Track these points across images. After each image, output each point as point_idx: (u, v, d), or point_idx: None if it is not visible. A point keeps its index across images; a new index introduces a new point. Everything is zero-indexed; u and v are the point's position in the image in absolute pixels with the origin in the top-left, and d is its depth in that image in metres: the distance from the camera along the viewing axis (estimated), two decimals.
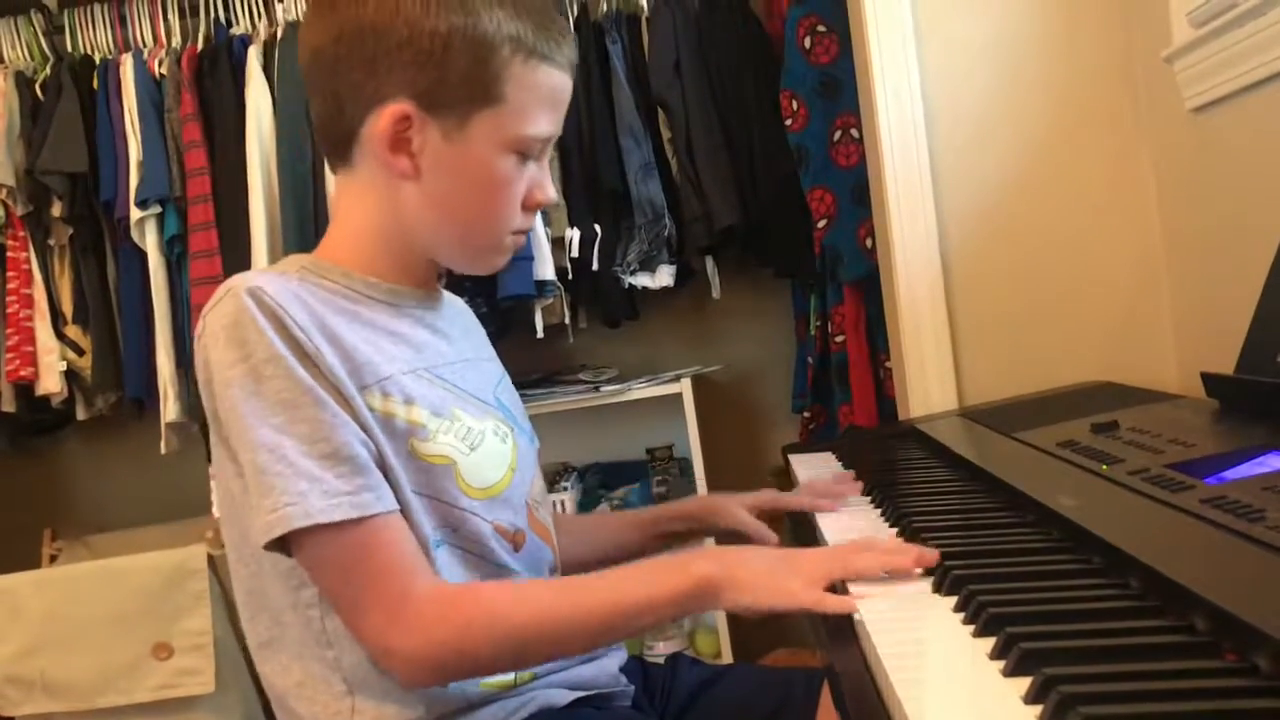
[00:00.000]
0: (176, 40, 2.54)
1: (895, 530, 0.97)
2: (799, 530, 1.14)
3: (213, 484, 2.42)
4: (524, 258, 2.26)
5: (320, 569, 0.88)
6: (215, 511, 2.41)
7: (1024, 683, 0.58)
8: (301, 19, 2.13)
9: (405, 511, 0.90)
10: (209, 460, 2.47)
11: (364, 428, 0.89)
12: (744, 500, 1.19)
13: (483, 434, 0.98)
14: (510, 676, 0.96)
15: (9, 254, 2.52)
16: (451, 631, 0.86)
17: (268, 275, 0.92)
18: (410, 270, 1.01)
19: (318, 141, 1.02)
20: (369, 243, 0.99)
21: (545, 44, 0.95)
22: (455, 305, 1.14)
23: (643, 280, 2.45)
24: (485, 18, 0.92)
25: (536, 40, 0.94)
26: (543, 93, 0.96)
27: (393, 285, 1.00)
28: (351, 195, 1.00)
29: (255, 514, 0.86)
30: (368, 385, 0.91)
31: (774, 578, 0.85)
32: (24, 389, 2.53)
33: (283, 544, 0.86)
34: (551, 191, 1.02)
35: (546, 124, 0.97)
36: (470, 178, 0.96)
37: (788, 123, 2.10)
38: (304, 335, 0.88)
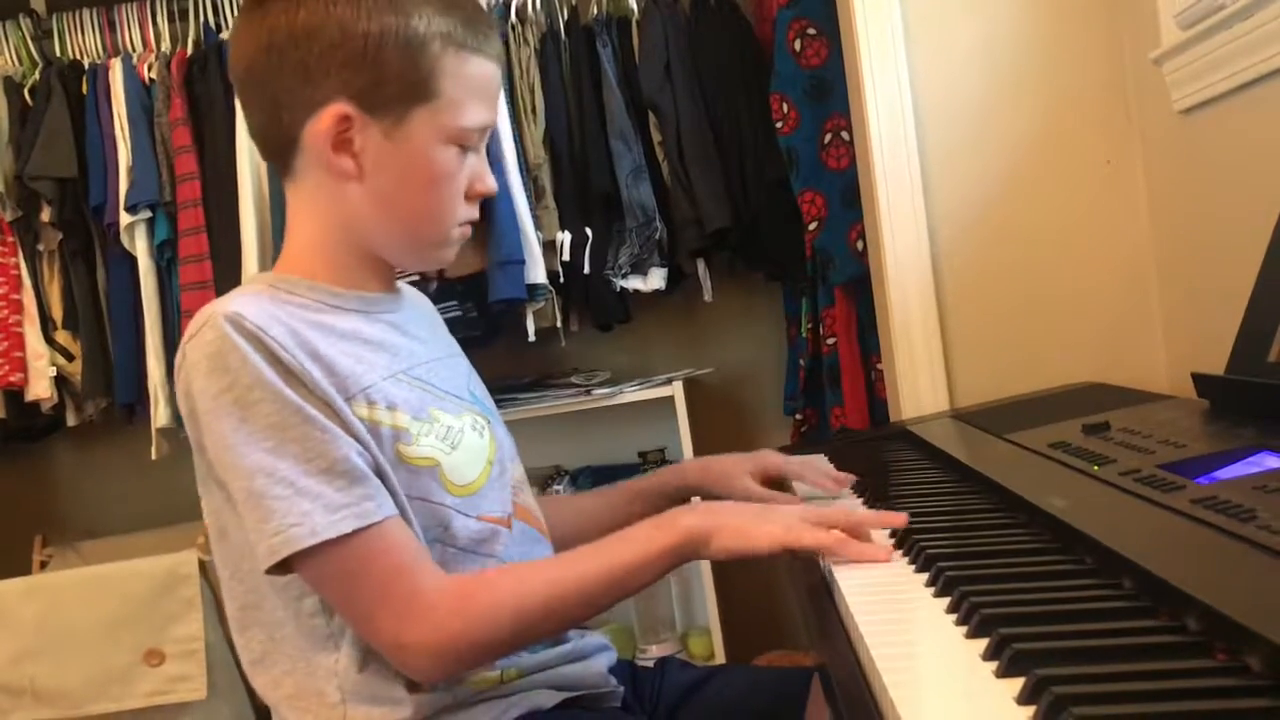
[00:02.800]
0: (166, 45, 2.53)
1: (888, 533, 0.97)
2: None
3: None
4: (515, 261, 2.26)
5: (328, 581, 0.89)
6: (206, 518, 2.40)
7: (1017, 684, 0.58)
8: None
9: (401, 513, 0.91)
10: None
11: (357, 437, 0.90)
12: (747, 467, 1.21)
13: (461, 431, 0.99)
14: (496, 673, 0.97)
15: None
16: (464, 621, 0.88)
17: (243, 298, 0.92)
18: (370, 272, 1.02)
19: (260, 154, 1.03)
20: (326, 250, 1.00)
21: (474, 37, 0.97)
22: (416, 301, 1.14)
23: (634, 283, 2.44)
24: (415, 16, 0.94)
25: (465, 34, 0.96)
26: (476, 84, 0.98)
27: (359, 293, 1.00)
28: (299, 204, 1.01)
29: (257, 539, 0.86)
30: (353, 396, 0.92)
31: (755, 523, 0.92)
32: (13, 395, 2.52)
33: (283, 564, 0.87)
34: (491, 181, 1.03)
35: (482, 114, 0.99)
36: (413, 173, 0.97)
37: (778, 125, 2.10)
38: (288, 355, 0.88)
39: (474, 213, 1.03)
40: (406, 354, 1.01)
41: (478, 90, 0.98)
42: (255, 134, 1.01)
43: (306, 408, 0.87)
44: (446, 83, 0.95)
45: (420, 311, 1.13)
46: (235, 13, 2.50)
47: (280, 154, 0.99)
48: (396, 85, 0.94)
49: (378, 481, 0.89)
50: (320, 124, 0.94)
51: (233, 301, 0.91)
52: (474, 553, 0.98)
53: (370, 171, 0.96)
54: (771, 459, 1.23)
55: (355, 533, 0.86)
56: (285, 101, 0.95)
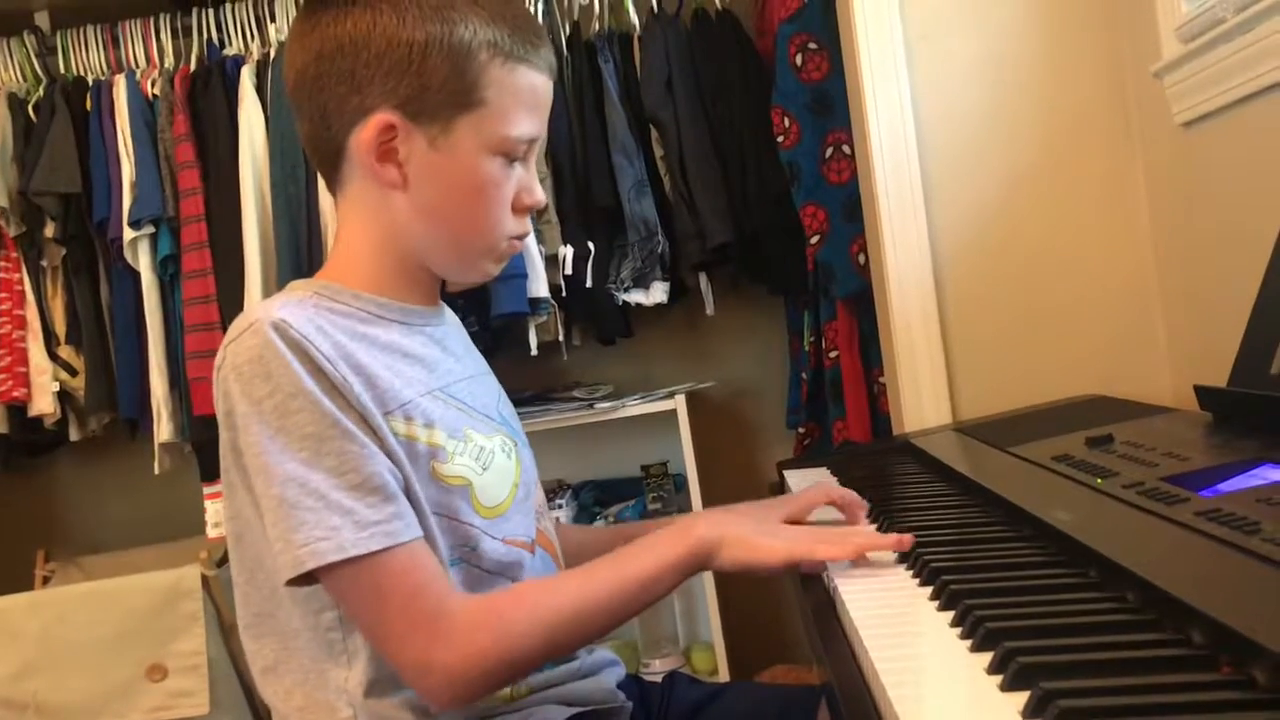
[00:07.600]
0: (169, 61, 2.54)
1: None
2: None
3: (207, 505, 2.41)
4: (517, 275, 2.26)
5: (352, 598, 0.88)
6: (209, 532, 2.40)
7: (1022, 697, 0.58)
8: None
9: (425, 533, 0.91)
10: (202, 480, 2.47)
11: (390, 455, 0.90)
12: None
13: (492, 452, 0.99)
14: (506, 690, 0.96)
15: (2, 275, 2.52)
16: (494, 636, 0.88)
17: (288, 306, 0.92)
18: (415, 284, 1.02)
19: (311, 163, 1.03)
20: (372, 260, 1.00)
21: (522, 47, 0.97)
22: (451, 318, 1.14)
23: (636, 297, 2.45)
24: (461, 25, 0.94)
25: (513, 44, 0.96)
26: (523, 94, 0.98)
27: (403, 304, 1.00)
28: (348, 213, 1.01)
29: (282, 548, 0.86)
30: (391, 411, 0.92)
31: (759, 537, 0.94)
32: (17, 410, 2.52)
33: (306, 575, 0.86)
34: (540, 193, 1.02)
35: (529, 125, 0.98)
36: (458, 183, 0.97)
37: (779, 139, 2.11)
38: (331, 366, 0.88)
39: (524, 226, 1.02)
40: (444, 370, 1.01)
41: (525, 101, 0.98)
42: (305, 143, 1.01)
43: (345, 421, 0.87)
44: (492, 92, 0.95)
45: (457, 331, 1.12)
46: (237, 29, 2.52)
47: (329, 163, 0.99)
48: (442, 94, 0.94)
49: (406, 502, 0.89)
50: (365, 133, 0.94)
51: (277, 308, 0.90)
52: (500, 575, 0.97)
53: (415, 181, 0.96)
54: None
55: (382, 551, 0.86)
56: (332, 110, 0.96)
